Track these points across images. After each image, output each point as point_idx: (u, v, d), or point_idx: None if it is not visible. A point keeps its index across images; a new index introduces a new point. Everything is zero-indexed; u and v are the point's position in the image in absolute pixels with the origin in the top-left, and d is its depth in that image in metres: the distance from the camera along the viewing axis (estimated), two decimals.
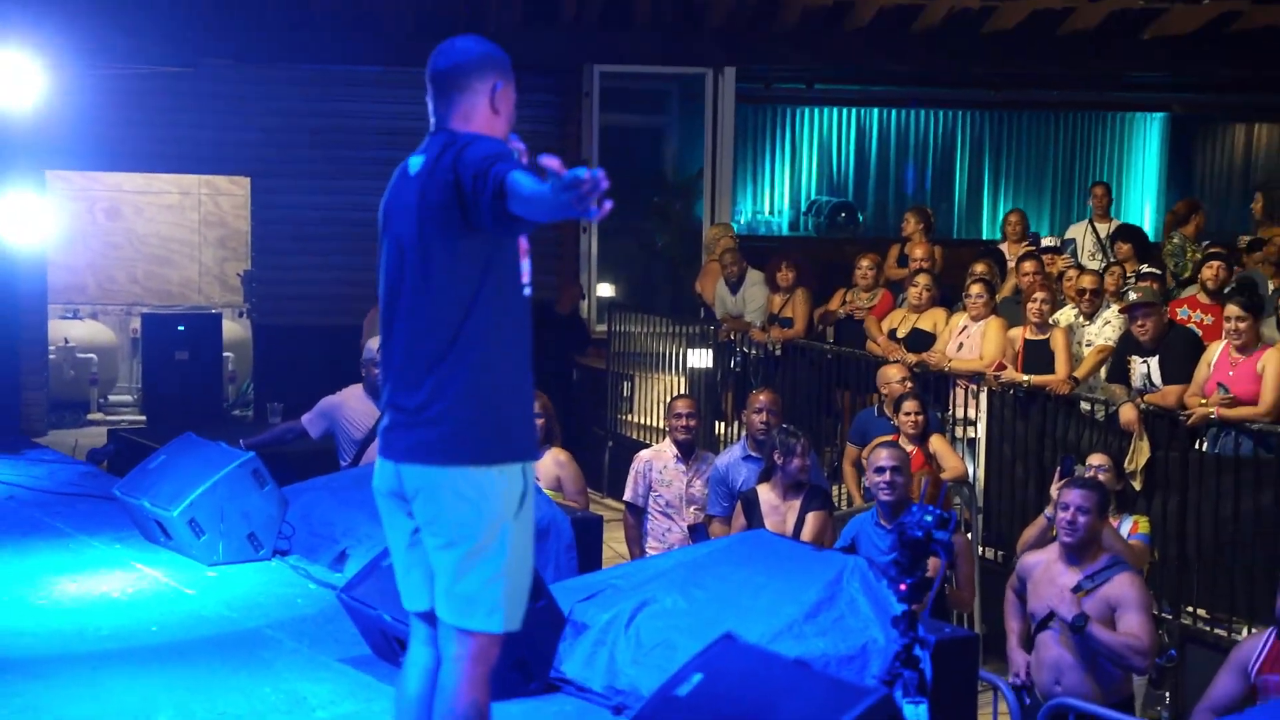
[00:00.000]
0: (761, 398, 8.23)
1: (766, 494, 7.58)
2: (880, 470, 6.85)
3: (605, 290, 14.10)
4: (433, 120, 3.81)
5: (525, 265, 3.75)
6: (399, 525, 3.84)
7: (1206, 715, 5.58)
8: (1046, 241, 12.35)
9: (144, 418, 13.70)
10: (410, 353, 3.71)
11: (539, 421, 7.99)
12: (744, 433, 8.37)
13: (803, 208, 18.68)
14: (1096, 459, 7.10)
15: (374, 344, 8.67)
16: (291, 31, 13.00)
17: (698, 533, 8.09)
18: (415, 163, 3.76)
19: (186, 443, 7.18)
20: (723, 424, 11.62)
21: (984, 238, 17.16)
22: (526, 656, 5.09)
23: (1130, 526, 7.04)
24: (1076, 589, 6.06)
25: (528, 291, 3.77)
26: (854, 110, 18.41)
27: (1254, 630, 6.44)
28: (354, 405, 8.51)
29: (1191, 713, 5.79)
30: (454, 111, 3.77)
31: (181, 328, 13.53)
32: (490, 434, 3.68)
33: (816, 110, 18.13)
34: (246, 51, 13.13)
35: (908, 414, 8.38)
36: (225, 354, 14.16)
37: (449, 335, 3.66)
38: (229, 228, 16.01)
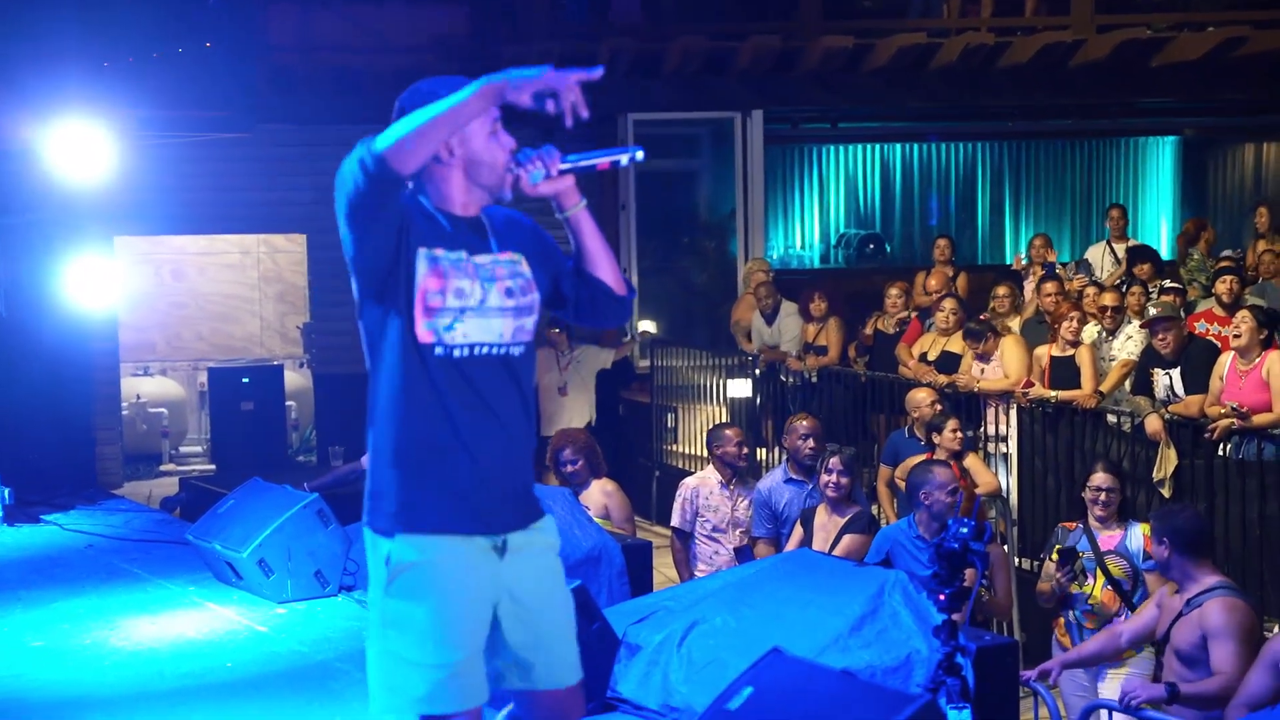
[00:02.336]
0: (804, 424, 8.21)
1: (820, 513, 7.61)
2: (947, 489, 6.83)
3: (647, 327, 14.10)
4: None
5: (449, 322, 3.31)
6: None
7: (1241, 710, 5.50)
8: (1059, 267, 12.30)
9: (213, 466, 13.78)
10: None
11: (578, 463, 8.03)
12: (784, 457, 8.35)
13: (832, 241, 18.66)
14: (1102, 479, 6.95)
15: None
16: (337, 95, 13.10)
17: (744, 554, 8.07)
18: None
19: (253, 487, 7.22)
20: (763, 450, 11.60)
21: (1007, 262, 17.10)
22: (583, 678, 5.07)
23: (1138, 536, 6.84)
24: (1179, 615, 5.95)
25: (458, 352, 3.32)
26: (878, 146, 18.39)
27: None
28: None
29: (1226, 709, 5.70)
30: None
31: (246, 380, 13.62)
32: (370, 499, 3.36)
33: (842, 148, 18.13)
34: (297, 115, 13.23)
35: (953, 432, 8.33)
36: (288, 403, 14.25)
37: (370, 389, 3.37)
38: (287, 283, 16.12)
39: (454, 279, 3.31)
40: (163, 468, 14.76)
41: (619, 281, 3.55)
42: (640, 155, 3.51)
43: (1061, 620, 6.74)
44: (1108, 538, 6.86)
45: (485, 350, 3.32)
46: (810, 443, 8.05)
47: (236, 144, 13.30)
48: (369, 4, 13.05)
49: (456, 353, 3.30)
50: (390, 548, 3.25)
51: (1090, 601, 6.63)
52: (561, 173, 3.44)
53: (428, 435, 3.28)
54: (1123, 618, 6.54)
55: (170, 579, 7.34)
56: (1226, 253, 12.21)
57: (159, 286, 15.91)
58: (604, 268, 3.54)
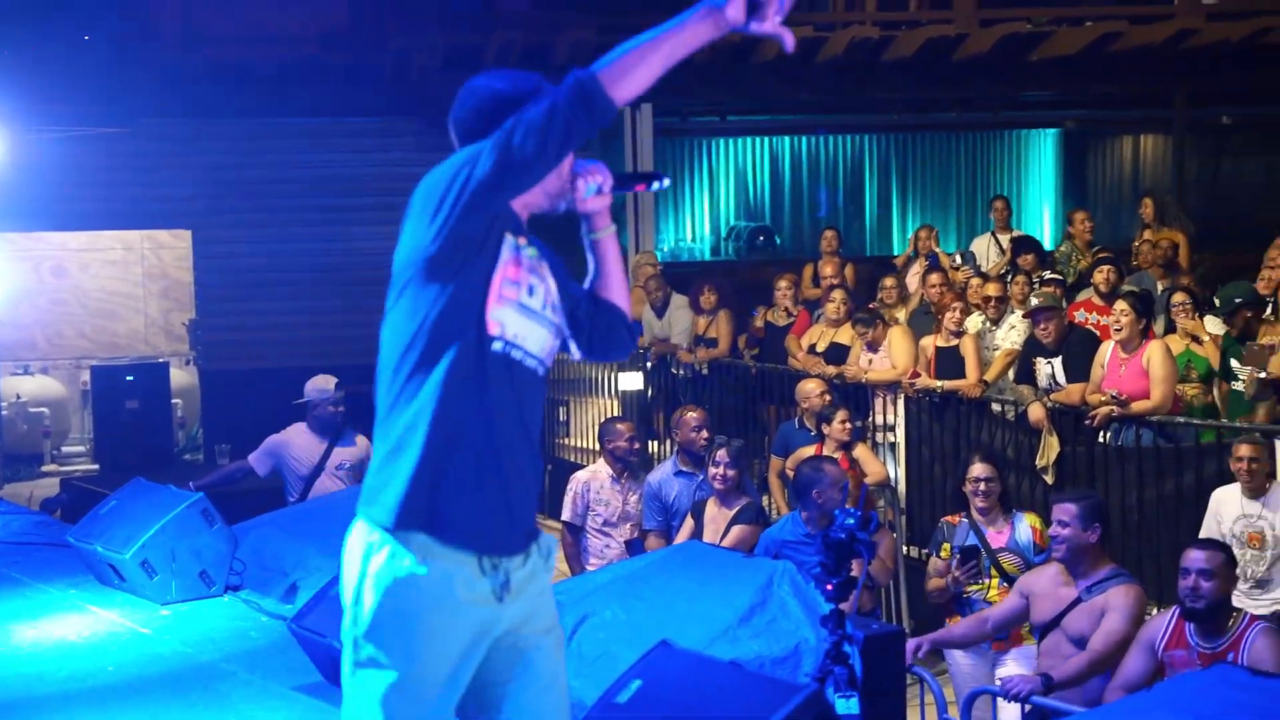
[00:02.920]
0: (693, 415, 8.24)
1: (710, 506, 7.62)
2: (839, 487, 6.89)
3: None
4: None
5: (514, 317, 3.07)
6: None
7: (1117, 693, 5.60)
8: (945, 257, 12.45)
9: (96, 466, 13.53)
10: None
11: None
12: (675, 450, 8.37)
13: (723, 233, 18.75)
14: (980, 469, 6.93)
15: (319, 382, 8.62)
16: (224, 89, 12.92)
17: (635, 547, 8.07)
18: None
19: (136, 487, 7.08)
20: (655, 442, 11.61)
21: (895, 254, 17.29)
22: None
23: (1026, 529, 6.86)
24: (1076, 601, 6.05)
25: (515, 353, 3.08)
26: (767, 139, 18.51)
27: (1161, 611, 6.47)
28: (299, 442, 8.48)
29: (1105, 691, 5.80)
30: None
31: (130, 378, 13.37)
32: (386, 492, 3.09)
33: (731, 140, 18.23)
34: (180, 109, 13.03)
35: (842, 423, 8.41)
36: (174, 401, 14.01)
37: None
38: (172, 279, 15.86)
39: (528, 275, 3.10)
40: (44, 468, 14.48)
41: (630, 312, 3.37)
42: (666, 183, 3.36)
43: (959, 620, 6.67)
44: (996, 534, 6.87)
45: (531, 360, 3.11)
46: (703, 434, 8.08)
47: (119, 138, 13.08)
48: None
49: (514, 354, 3.07)
50: (401, 545, 2.96)
51: (987, 600, 6.59)
52: (611, 190, 3.25)
53: (471, 434, 3.01)
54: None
55: (51, 582, 7.17)
56: (1097, 248, 12.44)
57: (39, 284, 15.59)
58: (622, 296, 3.33)
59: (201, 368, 14.33)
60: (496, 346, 3.02)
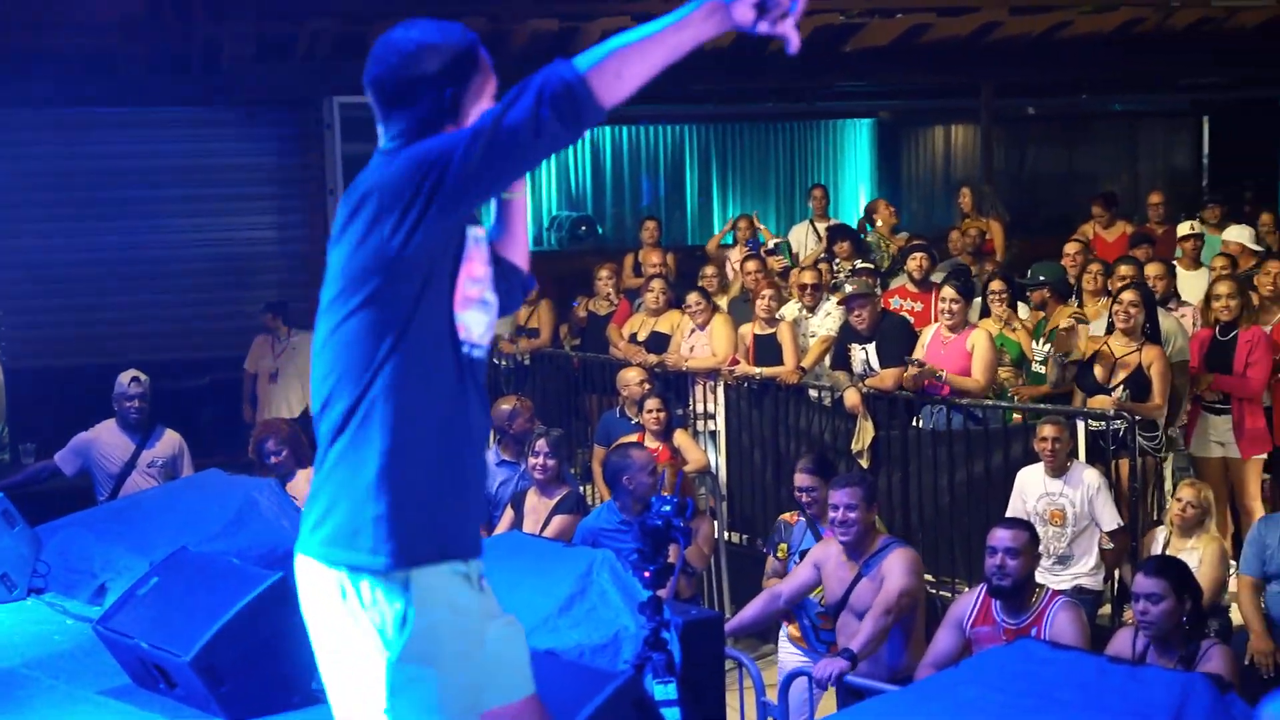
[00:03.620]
0: (505, 405, 8.22)
1: (530, 496, 7.61)
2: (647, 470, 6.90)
3: None
4: (380, 135, 2.95)
5: (476, 316, 2.90)
6: None
7: (928, 669, 5.72)
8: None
9: None
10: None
11: (282, 453, 7.86)
12: (495, 439, 8.33)
13: (545, 223, 18.70)
14: (801, 479, 6.87)
15: (125, 378, 8.41)
16: (26, 78, 12.51)
17: None
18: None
19: None
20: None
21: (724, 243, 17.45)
22: (288, 672, 4.95)
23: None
24: (856, 579, 6.14)
25: (476, 352, 2.90)
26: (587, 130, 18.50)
27: (969, 590, 6.63)
28: (108, 440, 8.29)
29: (916, 669, 5.92)
30: (400, 132, 2.87)
31: None
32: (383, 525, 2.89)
33: None
34: None
35: (650, 411, 8.46)
36: None
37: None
38: None
39: (485, 267, 2.93)
40: None
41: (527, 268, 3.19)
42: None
43: (795, 625, 6.67)
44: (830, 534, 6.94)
45: (484, 354, 2.95)
46: (519, 420, 8.07)
47: None
48: None
49: (477, 354, 2.90)
50: (408, 579, 2.79)
51: (823, 604, 6.60)
52: None
53: (456, 447, 2.84)
54: None
55: None
56: (903, 234, 12.70)
57: None
58: (524, 256, 3.17)
59: (5, 364, 13.86)
60: (464, 350, 2.86)
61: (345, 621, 2.82)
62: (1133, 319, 8.02)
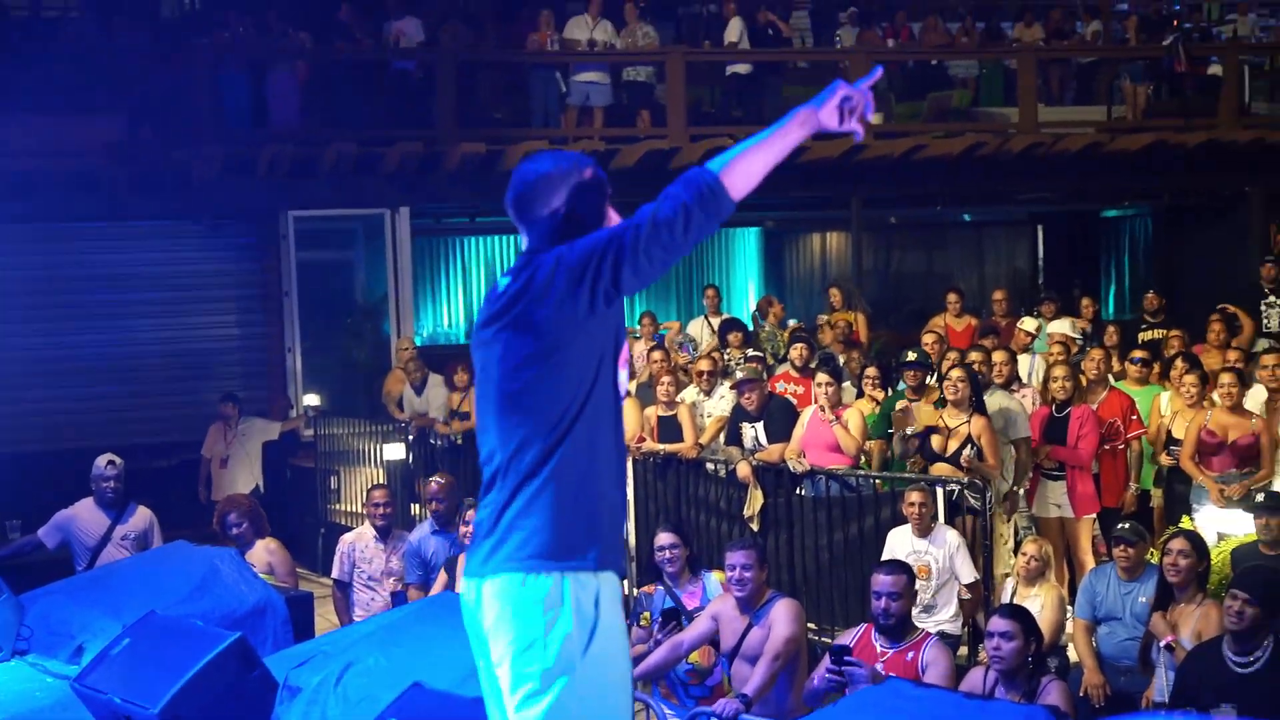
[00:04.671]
0: (431, 485, 8.22)
1: (462, 561, 7.53)
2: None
3: (312, 400, 13.76)
4: (522, 244, 3.22)
5: (623, 374, 3.16)
6: None
7: (804, 697, 5.74)
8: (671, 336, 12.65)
9: None
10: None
11: (243, 525, 7.75)
12: (430, 511, 8.27)
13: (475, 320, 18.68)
14: (664, 538, 6.82)
15: (102, 461, 8.27)
16: (18, 197, 12.38)
17: (399, 600, 7.93)
18: (504, 282, 3.13)
19: None
20: (417, 505, 11.45)
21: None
22: None
23: (715, 584, 6.78)
24: (748, 629, 6.13)
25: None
26: (513, 236, 18.53)
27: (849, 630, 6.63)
28: (85, 516, 8.14)
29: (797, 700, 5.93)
30: (531, 240, 3.15)
31: None
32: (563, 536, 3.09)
33: (482, 238, 18.21)
34: None
35: None
36: None
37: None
38: None
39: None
40: None
41: None
42: None
43: (663, 683, 6.55)
44: (689, 596, 6.80)
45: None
46: (445, 494, 8.06)
47: None
48: (44, 114, 12.38)
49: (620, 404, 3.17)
50: (598, 585, 3.00)
51: (690, 661, 6.53)
52: None
53: (618, 479, 3.13)
54: (719, 668, 6.48)
55: None
56: (792, 322, 12.81)
57: None
58: None
59: None
60: (619, 402, 3.13)
61: (546, 618, 2.95)
62: (960, 392, 8.13)
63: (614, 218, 3.15)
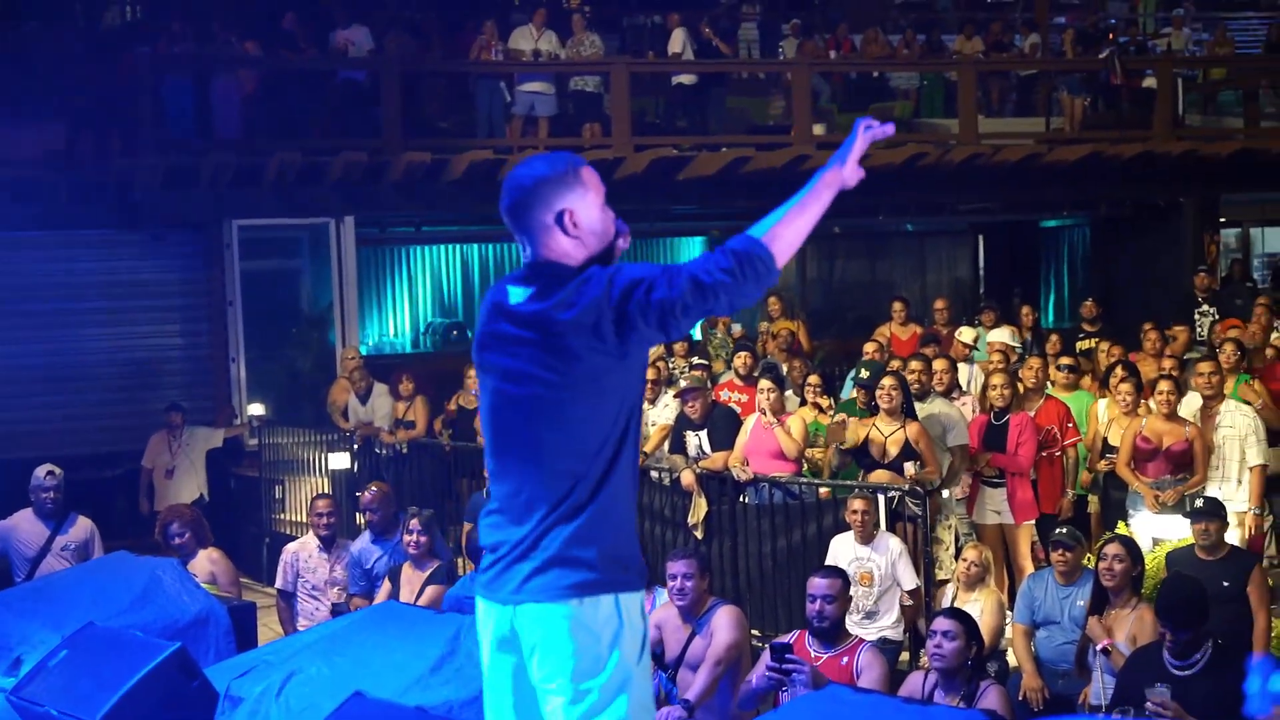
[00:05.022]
0: (368, 493, 8.19)
1: (405, 569, 7.51)
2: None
3: (256, 409, 13.64)
4: (524, 251, 3.15)
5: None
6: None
7: (740, 699, 5.76)
8: None
9: None
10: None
11: (185, 535, 7.68)
12: (366, 521, 8.24)
13: (421, 329, 18.60)
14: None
15: (41, 471, 8.17)
16: None
17: (341, 609, 7.88)
18: (517, 293, 3.09)
19: None
20: (361, 515, 11.36)
21: None
22: None
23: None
24: (691, 638, 6.13)
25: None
26: (458, 246, 18.50)
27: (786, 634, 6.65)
28: (24, 528, 8.05)
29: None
30: (535, 246, 3.09)
31: None
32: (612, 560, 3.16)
33: (427, 248, 18.14)
34: None
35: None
36: None
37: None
38: None
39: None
40: None
41: None
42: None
43: None
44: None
45: None
46: (382, 502, 8.03)
47: None
48: None
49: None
50: (641, 597, 3.10)
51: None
52: None
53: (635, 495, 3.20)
54: (656, 679, 6.50)
55: None
56: (736, 328, 12.86)
57: None
58: None
59: None
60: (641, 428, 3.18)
61: (606, 638, 3.03)
62: (894, 400, 8.18)
63: (610, 217, 3.15)
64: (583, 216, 3.08)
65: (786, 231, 3.00)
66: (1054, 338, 11.05)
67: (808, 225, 3.04)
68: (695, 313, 2.97)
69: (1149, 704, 5.23)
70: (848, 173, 3.08)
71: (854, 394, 9.18)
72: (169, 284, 13.50)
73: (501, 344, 3.09)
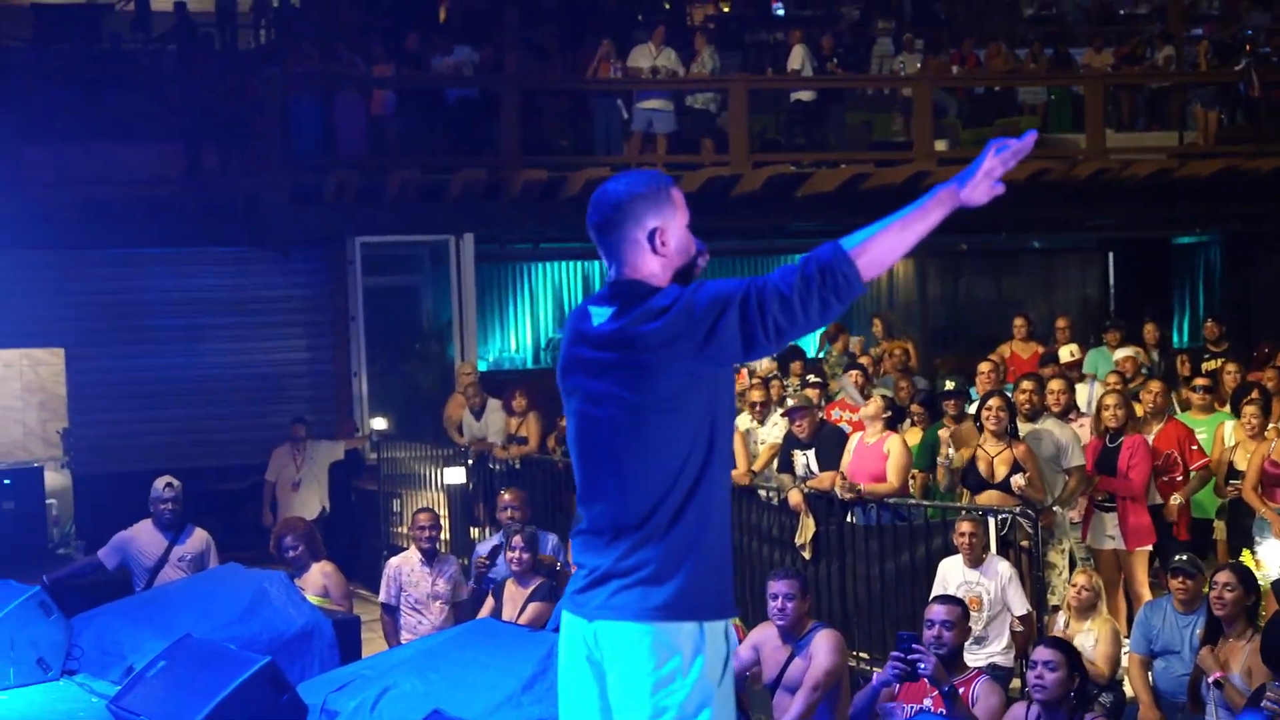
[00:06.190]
0: (505, 496, 8.21)
1: (509, 585, 7.52)
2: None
3: (378, 423, 13.85)
4: (608, 269, 3.12)
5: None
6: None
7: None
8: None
9: None
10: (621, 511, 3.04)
11: (298, 548, 7.78)
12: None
13: (541, 344, 18.71)
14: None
15: (160, 484, 8.34)
16: (87, 223, 12.62)
17: (463, 610, 7.92)
18: (599, 314, 3.07)
19: None
20: (476, 529, 11.47)
21: None
22: None
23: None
24: (790, 659, 6.05)
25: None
26: (579, 262, 18.56)
27: None
28: (144, 538, 8.21)
29: None
30: (620, 265, 3.07)
31: (7, 481, 12.81)
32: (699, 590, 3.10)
33: (547, 264, 18.24)
34: (53, 242, 12.69)
35: None
36: (48, 501, 13.44)
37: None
38: (49, 392, 15.20)
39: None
40: None
41: None
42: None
43: None
44: None
45: None
46: (508, 512, 8.06)
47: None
48: (117, 141, 12.61)
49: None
50: (726, 622, 3.06)
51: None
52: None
53: (728, 518, 3.15)
54: None
55: None
56: (854, 340, 12.70)
57: None
58: None
59: (75, 471, 13.82)
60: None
61: (680, 652, 2.97)
62: (1001, 421, 7.98)
63: (691, 237, 3.12)
64: (672, 236, 3.07)
65: (878, 247, 2.88)
66: (1182, 358, 10.69)
67: (907, 242, 2.90)
68: (782, 331, 2.91)
69: (1265, 702, 5.02)
70: (968, 193, 2.91)
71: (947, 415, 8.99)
72: (294, 300, 13.79)
73: (583, 366, 3.08)
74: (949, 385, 8.74)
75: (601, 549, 3.05)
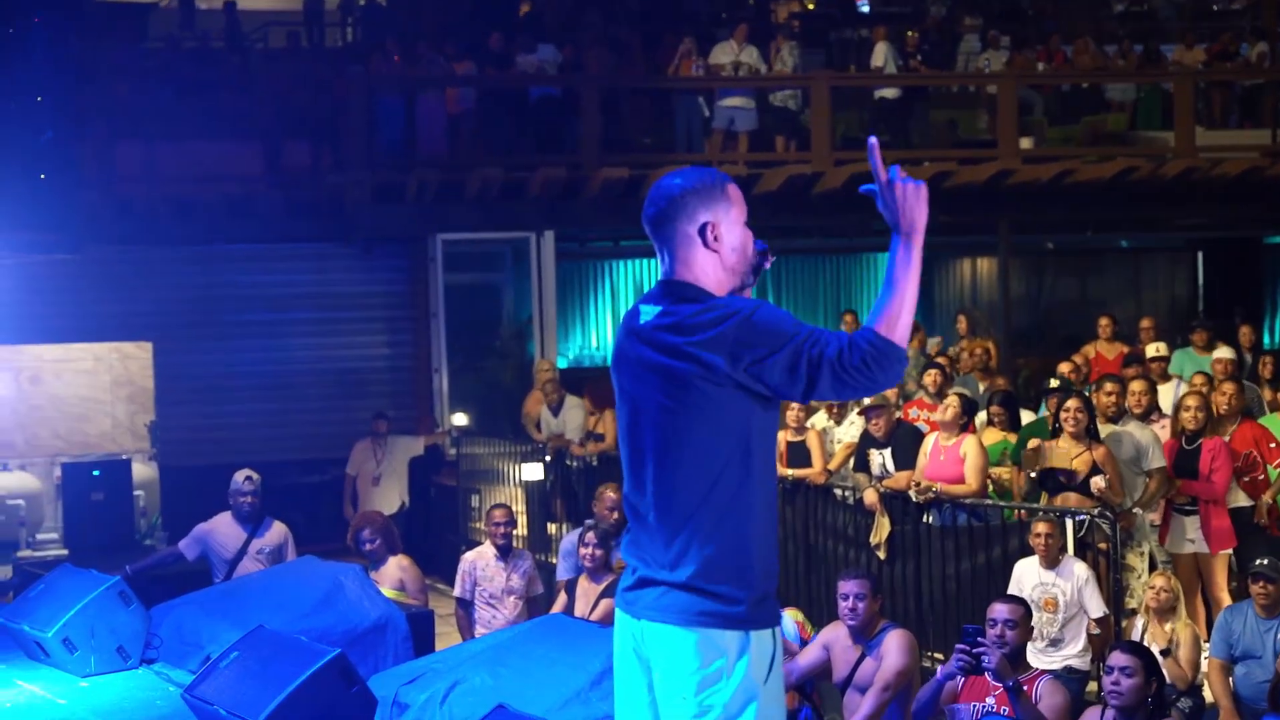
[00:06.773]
0: (610, 493, 8.12)
1: (582, 581, 7.54)
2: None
3: (458, 419, 13.96)
4: (661, 265, 3.15)
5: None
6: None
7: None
8: None
9: (67, 552, 13.17)
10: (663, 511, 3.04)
11: (376, 541, 7.85)
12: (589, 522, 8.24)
13: None
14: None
15: (240, 476, 8.47)
16: (175, 220, 12.84)
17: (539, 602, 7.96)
18: (647, 312, 3.08)
19: (63, 571, 6.88)
20: (553, 524, 11.51)
21: None
22: None
23: (790, 622, 6.48)
24: (860, 659, 6.01)
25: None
26: (658, 260, 18.56)
27: None
28: (223, 530, 8.33)
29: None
30: (673, 260, 3.10)
31: (96, 473, 13.07)
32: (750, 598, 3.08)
33: (627, 262, 18.26)
34: (140, 238, 12.93)
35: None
36: (136, 493, 13.70)
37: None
38: (136, 385, 15.49)
39: None
40: (20, 555, 14.03)
41: None
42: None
43: None
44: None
45: None
46: (616, 514, 7.94)
47: (89, 262, 12.95)
48: (204, 140, 12.83)
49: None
50: (772, 631, 3.06)
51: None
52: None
53: (774, 519, 3.14)
54: (803, 714, 6.25)
55: None
56: (933, 341, 12.54)
57: (18, 391, 15.16)
58: None
59: (161, 463, 14.08)
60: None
61: (725, 652, 2.98)
62: (1080, 424, 7.84)
63: (750, 237, 3.14)
64: (724, 231, 3.08)
65: (895, 314, 2.96)
66: (1266, 359, 10.46)
67: (913, 294, 3.00)
68: (820, 395, 2.97)
69: None
70: (906, 221, 3.07)
71: (1046, 413, 8.85)
72: (376, 296, 13.94)
73: (630, 366, 3.09)
74: (1053, 383, 8.60)
75: (646, 549, 3.06)
